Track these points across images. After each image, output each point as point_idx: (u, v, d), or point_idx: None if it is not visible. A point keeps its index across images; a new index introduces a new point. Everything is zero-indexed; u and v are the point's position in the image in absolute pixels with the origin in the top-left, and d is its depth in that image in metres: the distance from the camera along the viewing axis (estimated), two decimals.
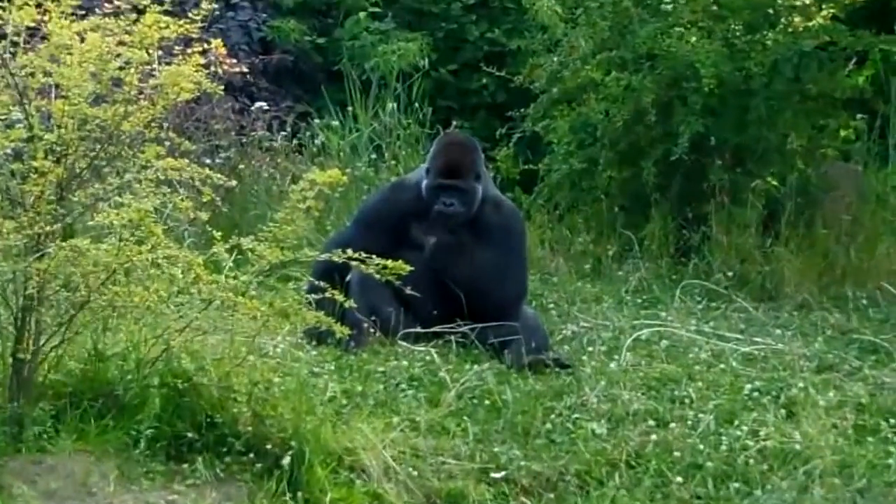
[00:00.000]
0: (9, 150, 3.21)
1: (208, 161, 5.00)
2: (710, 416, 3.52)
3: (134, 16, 3.21)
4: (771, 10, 5.31)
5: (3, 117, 3.19)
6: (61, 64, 3.13)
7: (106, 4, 3.29)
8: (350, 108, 6.06)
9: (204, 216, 3.24)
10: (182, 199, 3.22)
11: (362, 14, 6.73)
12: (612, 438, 3.40)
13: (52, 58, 3.14)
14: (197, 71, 3.17)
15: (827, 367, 4.03)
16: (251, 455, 3.09)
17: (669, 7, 5.26)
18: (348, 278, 3.78)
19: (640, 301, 4.71)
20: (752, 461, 3.34)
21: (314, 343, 3.94)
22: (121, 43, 3.16)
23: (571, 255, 5.14)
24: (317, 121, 6.00)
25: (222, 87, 3.34)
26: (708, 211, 5.11)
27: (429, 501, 3.16)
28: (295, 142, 5.77)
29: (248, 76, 5.24)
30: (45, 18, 3.17)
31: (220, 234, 3.29)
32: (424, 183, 4.19)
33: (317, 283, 3.41)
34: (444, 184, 4.14)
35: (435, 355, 3.83)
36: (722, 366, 3.98)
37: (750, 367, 3.97)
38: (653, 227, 5.13)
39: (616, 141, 5.32)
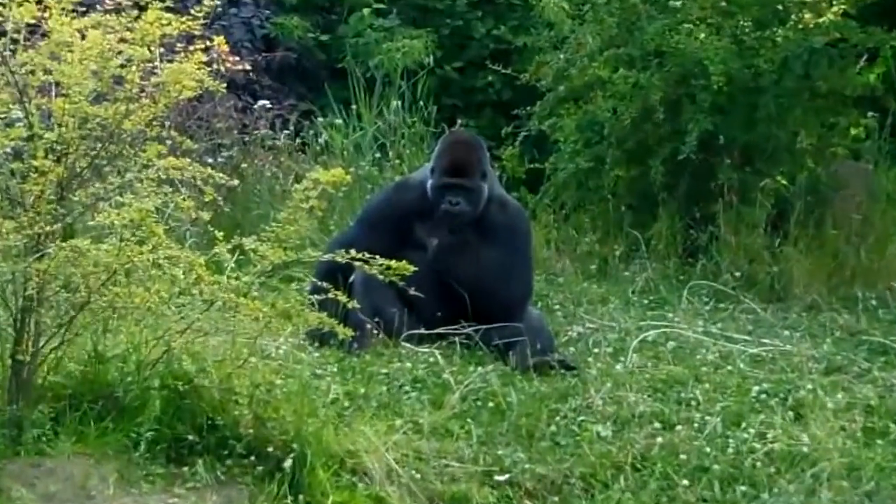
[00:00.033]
0: (8, 149, 3.20)
1: (210, 160, 5.00)
2: (716, 418, 3.51)
3: (135, 12, 3.19)
4: (781, 7, 5.29)
5: (2, 116, 3.18)
6: (62, 61, 3.12)
7: (107, 1, 3.28)
8: (354, 107, 6.04)
9: (206, 216, 3.22)
10: (184, 199, 3.20)
11: (366, 11, 6.70)
12: (618, 441, 3.39)
13: (53, 55, 3.13)
14: (199, 69, 3.16)
15: (836, 368, 4.03)
16: (252, 458, 3.08)
17: (678, 3, 5.24)
18: (351, 279, 3.78)
19: (646, 302, 4.70)
20: (759, 464, 3.33)
21: (317, 344, 3.93)
22: (122, 40, 3.14)
23: (577, 256, 5.13)
24: (320, 119, 5.98)
25: (225, 85, 3.32)
26: (716, 210, 5.08)
27: None
28: (298, 140, 5.75)
29: (250, 74, 5.22)
30: (46, 15, 3.15)
31: (222, 234, 3.28)
32: (430, 182, 4.17)
33: (320, 283, 3.41)
34: (449, 183, 4.12)
35: (439, 357, 3.83)
36: (729, 367, 3.97)
37: (758, 369, 3.96)
38: (660, 227, 5.11)
39: (623, 139, 5.29)
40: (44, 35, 3.18)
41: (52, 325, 3.11)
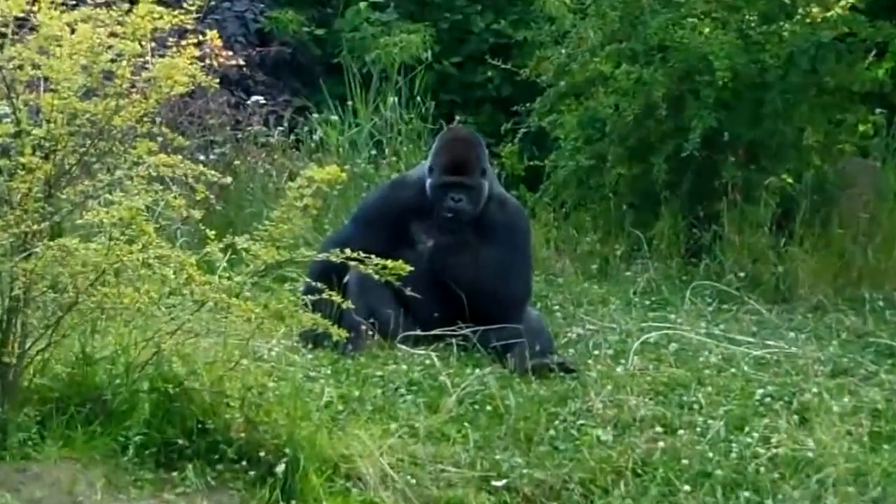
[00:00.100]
0: None
1: (202, 157, 4.99)
2: (719, 422, 3.48)
3: (126, 6, 3.16)
4: (787, 0, 5.24)
5: None
6: (51, 56, 3.10)
7: None
8: (350, 103, 6.00)
9: (197, 214, 3.19)
10: (175, 197, 3.18)
11: (363, 4, 6.68)
12: (618, 445, 3.35)
13: (42, 50, 3.10)
14: (191, 63, 3.13)
15: (842, 371, 3.99)
16: (244, 462, 3.06)
17: None
18: (346, 279, 3.75)
19: (648, 303, 4.66)
20: (763, 469, 3.30)
21: (310, 346, 3.90)
22: (112, 34, 3.12)
23: (578, 255, 5.10)
24: (315, 115, 5.95)
25: (217, 80, 3.30)
26: (720, 209, 5.05)
27: None
28: (292, 137, 5.73)
29: (244, 69, 5.17)
30: (35, 9, 3.12)
31: (213, 233, 3.25)
32: (429, 181, 4.14)
33: (314, 283, 3.38)
34: (450, 181, 4.09)
35: (435, 359, 3.80)
36: (733, 370, 3.94)
37: (762, 372, 3.93)
38: (662, 226, 5.08)
39: (625, 136, 5.26)
40: (32, 29, 3.15)
41: (38, 326, 3.09)
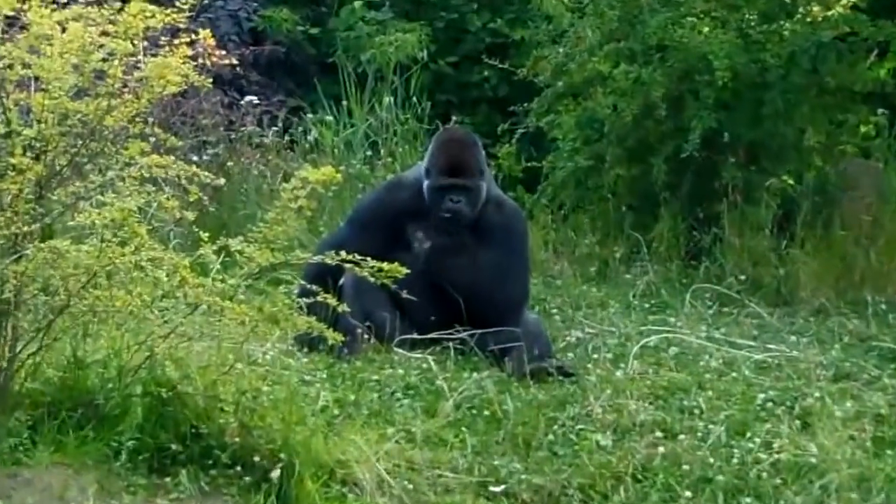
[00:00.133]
0: None
1: (195, 158, 4.98)
2: (720, 427, 3.46)
3: (118, 4, 3.15)
4: None
5: None
6: (41, 55, 3.08)
7: None
8: (345, 103, 6.00)
9: (190, 216, 3.18)
10: (167, 198, 3.17)
11: (358, 3, 6.67)
12: (618, 450, 3.33)
13: (32, 49, 3.09)
14: (184, 63, 3.11)
15: (844, 375, 3.97)
16: (238, 468, 3.03)
17: None
18: (342, 282, 3.75)
19: (648, 306, 4.65)
20: (764, 475, 3.28)
21: (305, 350, 3.88)
22: (104, 33, 3.10)
23: (576, 258, 5.10)
24: (310, 116, 5.95)
25: (210, 80, 3.29)
26: (720, 211, 5.04)
27: None
28: (287, 138, 5.71)
29: (237, 69, 5.15)
30: (25, 7, 3.10)
31: (207, 234, 3.23)
32: (426, 184, 4.12)
33: (308, 286, 3.36)
34: (448, 183, 4.07)
35: (432, 363, 3.78)
36: (734, 374, 3.92)
37: (763, 376, 3.91)
38: (662, 228, 5.08)
39: (624, 137, 5.25)
40: (23, 28, 3.13)
41: (29, 330, 3.07)
